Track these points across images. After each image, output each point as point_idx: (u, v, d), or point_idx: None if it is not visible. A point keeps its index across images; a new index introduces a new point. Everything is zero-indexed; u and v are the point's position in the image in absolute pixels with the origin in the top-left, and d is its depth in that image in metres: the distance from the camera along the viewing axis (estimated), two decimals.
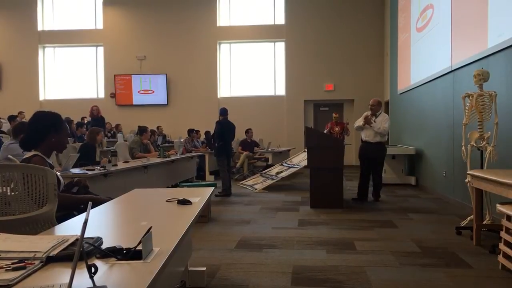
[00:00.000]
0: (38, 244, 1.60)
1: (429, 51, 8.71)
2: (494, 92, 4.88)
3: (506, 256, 3.63)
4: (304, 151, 9.92)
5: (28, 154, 2.92)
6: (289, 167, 9.99)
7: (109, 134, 13.03)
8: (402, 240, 4.79)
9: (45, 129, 2.94)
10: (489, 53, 5.82)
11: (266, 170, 10.60)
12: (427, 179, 8.86)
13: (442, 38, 7.82)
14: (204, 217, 5.74)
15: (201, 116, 14.65)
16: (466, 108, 5.14)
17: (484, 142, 4.94)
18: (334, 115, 10.99)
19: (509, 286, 3.34)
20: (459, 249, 4.38)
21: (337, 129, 10.57)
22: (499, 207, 3.74)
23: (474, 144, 5.05)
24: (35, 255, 1.50)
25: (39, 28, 15.92)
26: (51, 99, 15.95)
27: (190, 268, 3.41)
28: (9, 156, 3.85)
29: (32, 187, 2.45)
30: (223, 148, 8.30)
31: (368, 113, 7.30)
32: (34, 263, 1.44)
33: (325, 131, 10.32)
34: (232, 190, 8.42)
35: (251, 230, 5.33)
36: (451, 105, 7.30)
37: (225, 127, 8.33)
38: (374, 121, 7.18)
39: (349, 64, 14.75)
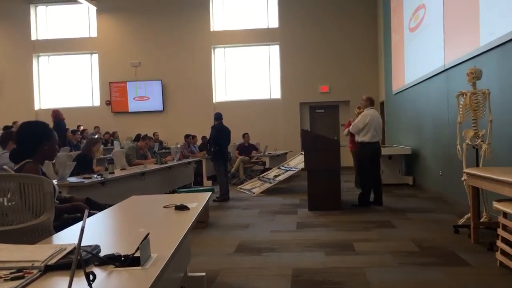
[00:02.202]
0: (36, 253, 1.60)
1: (422, 51, 8.75)
2: (488, 90, 4.91)
3: (504, 253, 3.64)
4: (301, 153, 9.94)
5: (21, 163, 2.91)
6: (287, 170, 10.00)
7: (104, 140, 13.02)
8: (401, 240, 4.80)
9: (38, 138, 2.94)
10: (482, 51, 5.85)
11: (264, 174, 10.60)
12: (424, 179, 8.88)
13: (434, 38, 7.86)
14: (202, 223, 5.73)
15: (198, 121, 14.65)
16: (460, 106, 5.17)
17: (479, 140, 4.96)
18: (356, 110, 8.95)
19: (508, 283, 3.35)
20: (457, 247, 4.40)
21: None
22: (496, 205, 3.76)
23: (469, 142, 5.07)
24: (33, 264, 1.50)
25: (33, 37, 15.90)
26: (46, 108, 15.88)
27: (190, 274, 3.41)
28: (5, 166, 3.84)
29: (29, 196, 2.45)
30: (219, 153, 8.29)
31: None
32: (33, 273, 1.45)
33: (345, 131, 8.92)
34: (230, 194, 8.42)
35: (250, 234, 5.34)
36: (446, 104, 7.33)
37: (220, 132, 8.32)
38: None
39: (343, 65, 14.79)
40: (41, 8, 16.13)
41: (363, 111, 7.28)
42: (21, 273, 1.43)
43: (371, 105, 7.26)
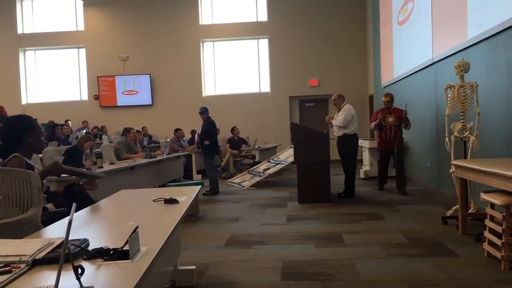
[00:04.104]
0: (23, 247, 1.59)
1: (411, 44, 8.79)
2: (475, 82, 4.95)
3: (491, 243, 3.69)
4: (291, 147, 9.96)
5: (8, 158, 2.88)
6: (276, 164, 10.01)
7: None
8: (390, 232, 4.84)
9: (20, 131, 2.91)
10: (469, 44, 5.89)
11: (254, 167, 10.61)
12: (412, 171, 8.94)
13: (423, 31, 7.89)
14: (192, 216, 5.73)
15: (187, 115, 14.57)
16: (448, 99, 5.21)
17: (467, 132, 5.01)
18: (383, 98, 7.75)
19: (495, 272, 3.39)
20: (446, 238, 4.44)
21: (391, 119, 7.49)
22: (483, 196, 3.80)
23: (457, 135, 5.12)
24: (20, 258, 1.48)
25: (19, 31, 15.69)
26: (33, 103, 15.75)
27: (180, 267, 3.41)
28: None
29: (16, 191, 2.42)
30: (213, 147, 8.31)
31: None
32: (20, 267, 1.43)
33: (372, 125, 7.78)
34: (220, 188, 8.42)
35: (240, 227, 5.34)
36: (434, 97, 7.38)
37: (212, 126, 8.32)
38: (337, 115, 7.24)
39: (333, 59, 14.80)
40: (27, 2, 15.90)
41: (340, 108, 7.28)
42: (8, 268, 1.42)
43: (344, 100, 7.36)
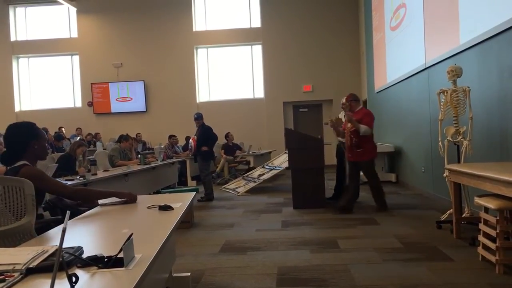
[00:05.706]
0: (17, 256, 1.58)
1: (403, 50, 8.84)
2: (468, 87, 4.98)
3: (485, 247, 3.70)
4: (285, 152, 9.96)
5: (16, 164, 2.85)
6: (271, 169, 10.01)
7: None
8: (385, 237, 4.84)
9: (25, 138, 2.90)
10: (461, 49, 5.94)
11: (248, 173, 10.60)
12: (407, 176, 8.97)
13: (415, 36, 7.95)
14: (187, 223, 5.71)
15: (181, 121, 14.57)
16: (441, 104, 5.23)
17: (460, 137, 5.03)
18: (342, 102, 6.83)
19: (489, 276, 3.40)
20: (440, 242, 4.45)
21: (349, 124, 6.34)
22: (477, 200, 3.82)
23: (451, 139, 5.14)
24: (14, 267, 1.47)
25: (12, 38, 15.65)
26: (27, 110, 15.68)
27: (175, 274, 3.39)
28: None
29: (10, 199, 2.40)
30: (211, 153, 8.32)
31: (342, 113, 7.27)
32: (14, 276, 1.42)
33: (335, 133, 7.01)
34: (214, 194, 8.40)
35: (235, 234, 5.33)
36: (427, 102, 7.42)
37: (210, 132, 8.33)
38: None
39: (326, 64, 14.86)
40: (20, 9, 15.87)
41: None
42: (2, 277, 1.41)
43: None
